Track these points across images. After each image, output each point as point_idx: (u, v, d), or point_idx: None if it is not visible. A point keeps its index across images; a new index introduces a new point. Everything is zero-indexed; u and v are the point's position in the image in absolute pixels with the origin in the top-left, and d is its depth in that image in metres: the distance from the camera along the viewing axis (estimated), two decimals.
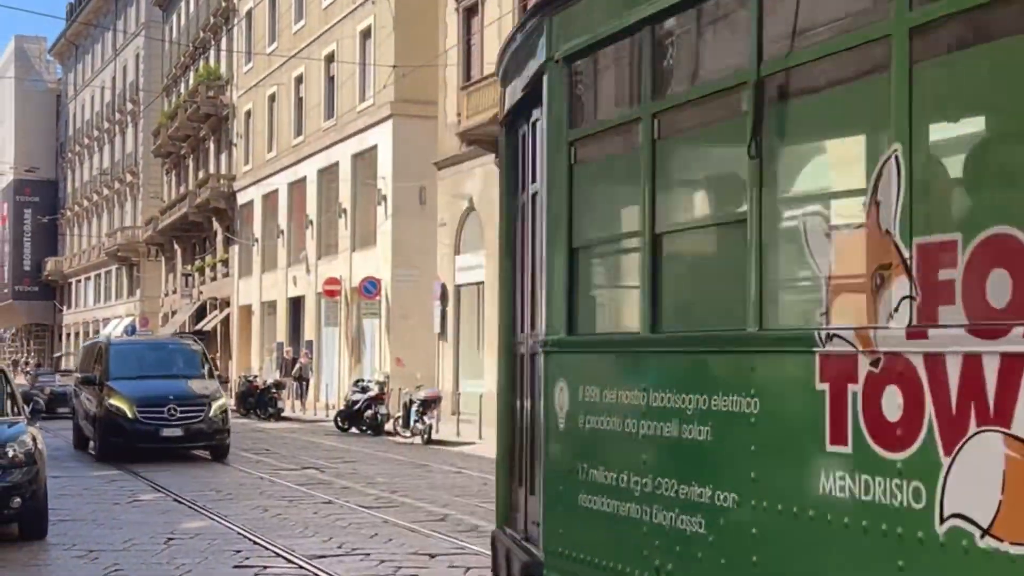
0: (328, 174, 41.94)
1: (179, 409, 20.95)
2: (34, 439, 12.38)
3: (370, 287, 35.35)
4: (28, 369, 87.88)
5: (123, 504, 15.39)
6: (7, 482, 11.73)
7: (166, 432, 20.86)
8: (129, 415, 20.81)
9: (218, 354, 54.81)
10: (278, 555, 11.34)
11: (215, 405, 21.46)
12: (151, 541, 12.20)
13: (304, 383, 37.20)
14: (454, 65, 32.17)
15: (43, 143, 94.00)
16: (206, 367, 23.67)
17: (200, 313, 57.63)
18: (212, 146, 57.54)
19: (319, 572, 10.38)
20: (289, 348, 41.23)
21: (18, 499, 11.79)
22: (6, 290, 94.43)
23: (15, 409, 13.37)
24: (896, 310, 3.80)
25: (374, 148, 37.71)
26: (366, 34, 38.79)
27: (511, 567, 6.30)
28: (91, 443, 22.62)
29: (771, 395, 4.40)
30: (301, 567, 10.68)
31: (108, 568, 10.66)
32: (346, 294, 38.53)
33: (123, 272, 74.78)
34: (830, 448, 4.01)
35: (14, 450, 11.90)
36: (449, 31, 32.65)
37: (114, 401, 21.00)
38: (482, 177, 30.70)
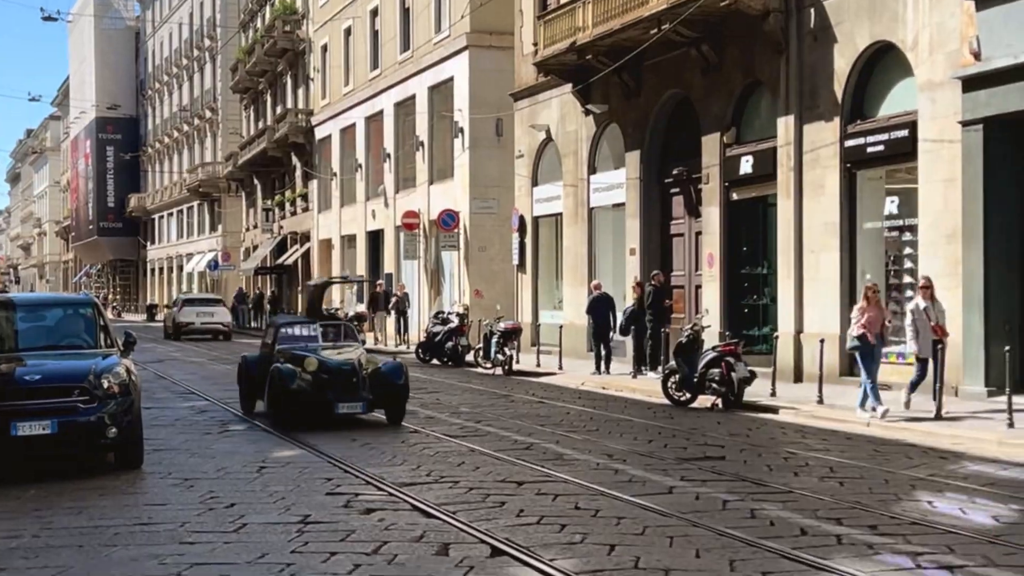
0: (405, 107, 41.93)
1: None
2: (128, 371, 12.63)
3: (448, 219, 35.45)
4: (114, 304, 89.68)
5: (214, 434, 15.70)
6: (103, 412, 11.99)
7: None
8: None
9: (299, 288, 55.48)
10: (369, 483, 11.52)
11: None
12: (244, 470, 12.46)
13: (403, 316, 37.20)
14: None
15: (123, 81, 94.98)
16: None
17: (281, 248, 58.24)
18: (289, 81, 57.74)
19: (409, 499, 10.53)
20: (380, 282, 41.28)
21: (114, 429, 12.06)
22: (91, 226, 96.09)
23: (108, 342, 13.65)
24: None
25: (450, 80, 37.59)
26: None
27: None
28: None
29: None
30: (392, 494, 10.84)
31: (204, 496, 10.90)
32: (424, 227, 38.67)
33: (204, 208, 75.72)
34: None
35: (109, 381, 12.15)
36: None
37: None
38: (559, 107, 30.50)
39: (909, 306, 16.78)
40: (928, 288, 16.46)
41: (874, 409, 16.02)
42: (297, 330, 17.88)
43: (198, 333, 44.51)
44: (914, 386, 16.38)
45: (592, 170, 29.32)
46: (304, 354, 16.33)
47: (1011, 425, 14.39)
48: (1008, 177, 17.51)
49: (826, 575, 7.73)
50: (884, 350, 17.33)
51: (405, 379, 16.52)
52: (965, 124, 17.59)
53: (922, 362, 16.35)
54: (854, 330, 16.53)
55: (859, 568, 7.87)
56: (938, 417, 15.46)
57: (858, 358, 16.65)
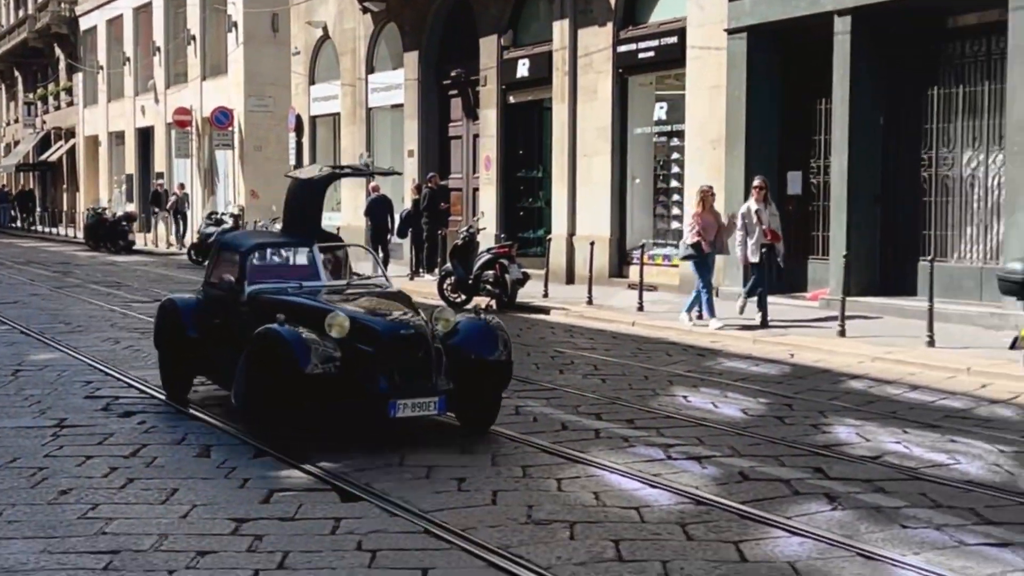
0: None
1: None
2: None
3: (222, 117, 34.47)
4: None
5: None
6: None
7: None
8: None
9: (65, 187, 53.21)
10: (130, 385, 11.23)
11: None
12: None
13: (181, 217, 36.10)
14: None
15: None
16: None
17: (44, 144, 55.54)
18: None
19: (172, 401, 10.31)
20: (161, 181, 39.92)
21: None
22: None
23: None
24: None
25: None
26: None
27: None
28: None
29: None
30: (153, 396, 10.60)
31: None
32: (197, 124, 37.49)
33: None
34: None
35: None
36: None
37: None
38: (336, 4, 29.84)
39: (741, 208, 15.70)
40: (761, 189, 15.45)
41: (699, 317, 15.49)
42: (281, 257, 10.99)
43: None
44: (750, 292, 15.56)
45: (370, 70, 28.91)
46: (322, 307, 9.03)
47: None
48: (769, 85, 18.13)
49: (581, 467, 7.99)
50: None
51: (505, 349, 9.32)
52: (730, 32, 18.09)
53: (755, 266, 15.41)
54: (688, 237, 15.54)
55: (613, 460, 8.16)
56: (764, 324, 15.05)
57: (692, 267, 15.73)
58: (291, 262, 10.78)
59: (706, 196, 15.58)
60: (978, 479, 7.73)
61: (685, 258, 15.94)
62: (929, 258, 14.44)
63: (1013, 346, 11.35)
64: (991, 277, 13.47)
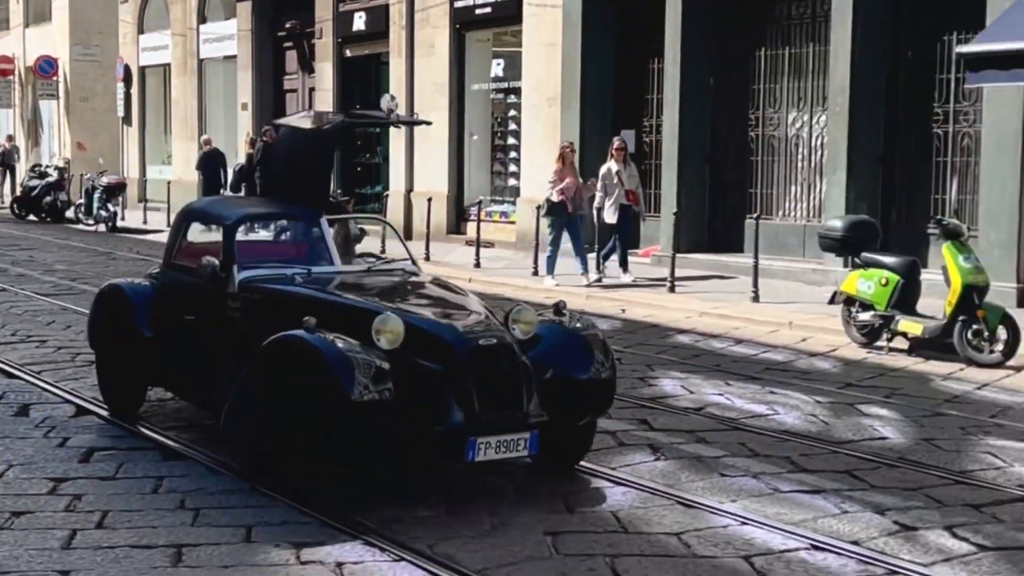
0: None
1: None
2: None
3: (46, 66, 33.21)
4: None
5: None
6: None
7: None
8: None
9: None
10: None
11: None
12: None
13: (10, 170, 34.60)
14: None
15: None
16: None
17: None
18: None
19: (116, 418, 9.91)
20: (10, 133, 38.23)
21: None
22: None
23: None
24: None
25: None
26: None
27: None
28: None
29: None
30: None
31: None
32: (20, 73, 36.05)
33: None
34: None
35: None
36: None
37: None
38: None
39: (601, 170, 15.44)
40: (621, 151, 15.41)
41: (546, 274, 15.41)
42: (274, 233, 8.79)
43: None
44: (607, 255, 15.54)
45: (202, 19, 28.19)
46: (361, 305, 6.76)
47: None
48: (604, 44, 18.29)
49: None
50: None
51: (607, 361, 6.89)
52: None
53: (611, 227, 15.34)
54: (553, 196, 15.07)
55: None
56: (598, 281, 15.25)
57: (548, 226, 15.38)
58: (287, 239, 8.39)
59: (565, 153, 15.47)
60: (794, 429, 8.03)
61: (547, 216, 15.44)
62: (755, 216, 14.84)
63: (832, 301, 11.77)
64: (813, 234, 13.91)
